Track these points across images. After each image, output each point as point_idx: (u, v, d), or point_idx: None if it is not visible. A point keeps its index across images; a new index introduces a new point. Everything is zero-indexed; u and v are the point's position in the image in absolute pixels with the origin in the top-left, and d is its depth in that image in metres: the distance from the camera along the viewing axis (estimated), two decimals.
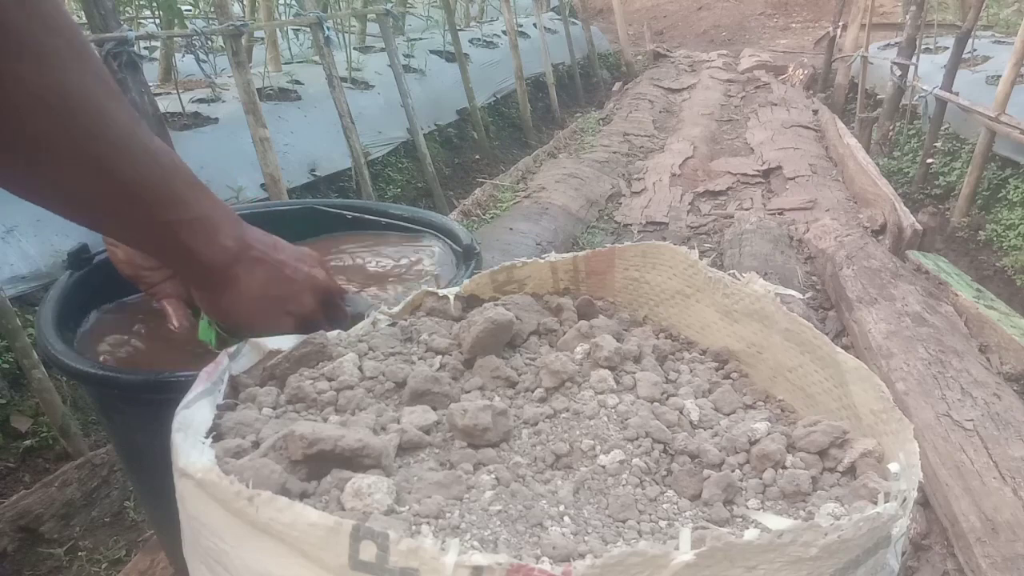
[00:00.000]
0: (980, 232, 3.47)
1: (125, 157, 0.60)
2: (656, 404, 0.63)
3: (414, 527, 0.46)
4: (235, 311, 0.72)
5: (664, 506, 0.54)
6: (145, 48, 4.26)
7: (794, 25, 11.17)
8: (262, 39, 4.18)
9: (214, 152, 2.92)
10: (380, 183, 3.80)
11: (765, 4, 11.84)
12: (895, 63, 4.40)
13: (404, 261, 1.04)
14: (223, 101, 3.31)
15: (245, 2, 4.37)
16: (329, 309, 0.78)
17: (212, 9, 3.44)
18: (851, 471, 0.56)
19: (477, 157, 4.93)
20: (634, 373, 0.66)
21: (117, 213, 0.63)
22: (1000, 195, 3.50)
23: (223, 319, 0.75)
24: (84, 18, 2.35)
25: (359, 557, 0.40)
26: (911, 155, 4.38)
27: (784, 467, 0.57)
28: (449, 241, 1.06)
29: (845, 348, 1.06)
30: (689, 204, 3.88)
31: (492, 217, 3.47)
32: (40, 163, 0.57)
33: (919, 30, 4.38)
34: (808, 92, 6.80)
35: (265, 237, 0.74)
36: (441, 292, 0.75)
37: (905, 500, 0.47)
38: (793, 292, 0.72)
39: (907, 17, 4.53)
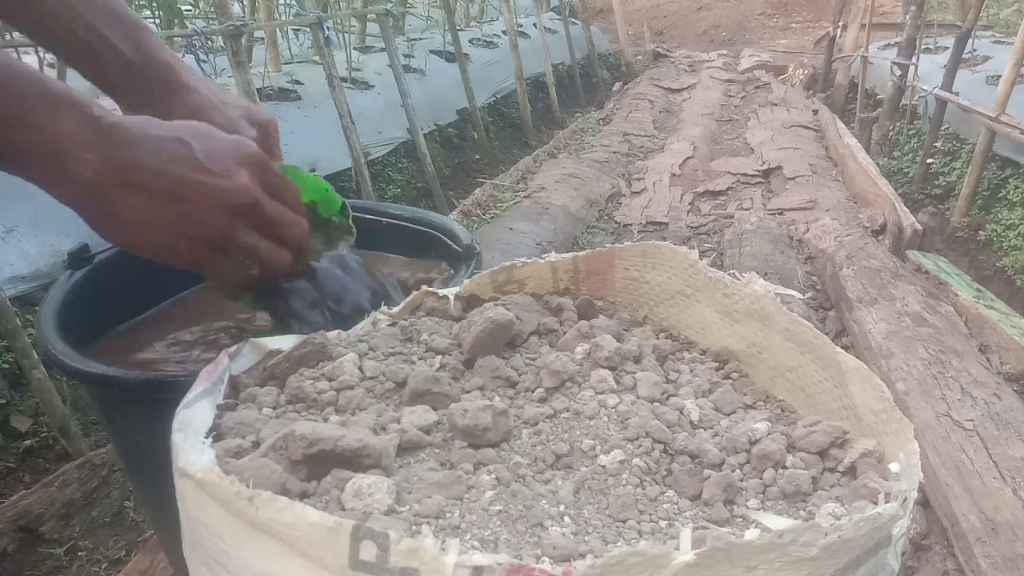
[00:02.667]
0: (980, 232, 3.47)
1: None
2: (656, 404, 0.63)
3: (414, 527, 0.46)
4: (118, 241, 0.62)
5: (664, 506, 0.54)
6: None
7: (794, 25, 11.17)
8: (262, 39, 4.18)
9: None
10: (380, 183, 3.80)
11: (765, 4, 11.84)
12: (895, 63, 4.40)
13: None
14: None
15: (245, 2, 4.37)
16: (263, 217, 0.65)
17: (212, 9, 3.44)
18: (851, 471, 0.56)
19: (477, 157, 4.93)
20: (634, 373, 0.66)
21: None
22: (1000, 195, 3.50)
23: (114, 243, 0.65)
24: None
25: (359, 557, 0.40)
26: (911, 155, 4.38)
27: (784, 467, 0.57)
28: (449, 241, 1.05)
29: (845, 348, 1.06)
30: (689, 204, 3.88)
31: (492, 217, 3.47)
32: None
33: (919, 30, 4.38)
34: (808, 92, 6.80)
35: (161, 144, 0.60)
36: (441, 292, 0.75)
37: (905, 500, 0.47)
38: (793, 292, 0.72)
39: (907, 17, 4.53)
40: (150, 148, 0.59)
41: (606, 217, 3.77)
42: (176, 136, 0.61)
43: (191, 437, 0.50)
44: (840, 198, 3.67)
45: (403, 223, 1.10)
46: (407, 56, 4.68)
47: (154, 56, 0.75)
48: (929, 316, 2.24)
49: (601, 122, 5.74)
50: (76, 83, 0.71)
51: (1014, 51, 3.19)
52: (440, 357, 0.67)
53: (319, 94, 3.57)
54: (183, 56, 3.52)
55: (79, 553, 1.60)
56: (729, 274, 0.73)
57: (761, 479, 0.56)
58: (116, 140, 0.58)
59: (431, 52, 5.02)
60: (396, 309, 0.74)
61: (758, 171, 4.32)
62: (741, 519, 0.54)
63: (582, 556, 0.45)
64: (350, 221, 0.81)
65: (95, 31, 0.72)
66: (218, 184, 0.61)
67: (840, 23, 6.79)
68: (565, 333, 0.71)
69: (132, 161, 0.58)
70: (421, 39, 5.24)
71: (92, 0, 0.72)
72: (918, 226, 2.93)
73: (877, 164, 3.92)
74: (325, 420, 0.58)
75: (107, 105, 0.62)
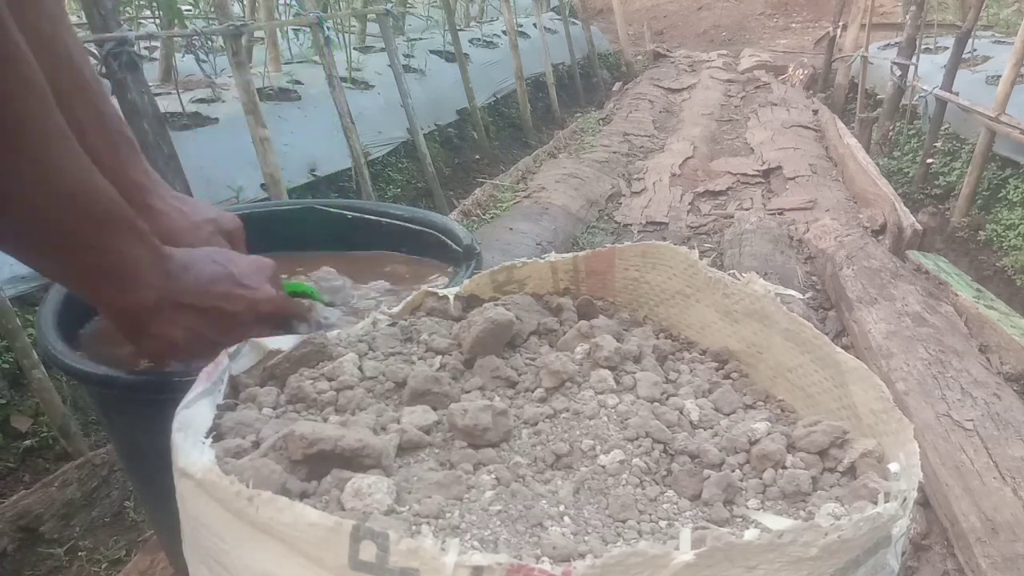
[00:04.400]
0: (980, 232, 3.47)
1: (28, 197, 0.55)
2: (656, 404, 0.63)
3: (414, 527, 0.46)
4: (156, 352, 0.69)
5: (664, 506, 0.54)
6: (145, 48, 4.25)
7: (794, 25, 11.17)
8: (262, 39, 4.18)
9: (214, 152, 2.92)
10: (380, 183, 3.80)
11: (765, 4, 11.84)
12: (895, 63, 4.40)
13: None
14: (223, 101, 3.31)
15: (245, 2, 4.37)
16: (283, 329, 0.75)
17: (212, 9, 3.44)
18: (851, 471, 0.56)
19: (477, 157, 4.93)
20: (634, 373, 0.66)
21: (21, 252, 0.59)
22: (1000, 195, 3.50)
23: (150, 355, 0.72)
24: (84, 18, 2.35)
25: (359, 557, 0.40)
26: (911, 155, 4.38)
27: (784, 467, 0.57)
28: (449, 241, 1.05)
29: (845, 348, 1.06)
30: (689, 204, 3.88)
31: (492, 217, 3.47)
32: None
33: (919, 30, 4.38)
34: (808, 92, 6.80)
35: (201, 268, 0.69)
36: (441, 292, 0.75)
37: (905, 500, 0.47)
38: (793, 292, 0.72)
39: (907, 17, 4.53)
40: (195, 272, 0.68)
41: (606, 217, 3.77)
42: (211, 259, 0.71)
43: (191, 437, 0.50)
44: (840, 198, 3.67)
45: (403, 223, 1.10)
46: (407, 56, 4.68)
47: (129, 178, 0.77)
48: (929, 316, 2.24)
49: (601, 122, 5.74)
50: None
51: (1014, 51, 3.19)
52: (440, 357, 0.67)
53: (319, 94, 3.57)
54: (183, 56, 3.53)
55: (79, 553, 1.60)
56: (729, 274, 0.73)
57: (761, 479, 0.56)
58: (171, 266, 0.66)
59: (431, 52, 5.02)
60: (396, 309, 0.74)
61: (758, 171, 4.32)
62: (741, 519, 0.54)
63: (582, 556, 0.45)
64: (325, 297, 0.90)
65: (82, 136, 0.73)
66: (255, 296, 0.71)
67: (840, 23, 6.79)
68: (565, 333, 0.71)
69: (184, 284, 0.67)
70: (421, 39, 5.24)
71: (87, 97, 0.74)
72: (918, 226, 2.93)
73: (877, 164, 3.92)
74: (325, 420, 0.58)
75: None
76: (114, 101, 0.82)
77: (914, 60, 4.35)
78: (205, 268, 0.69)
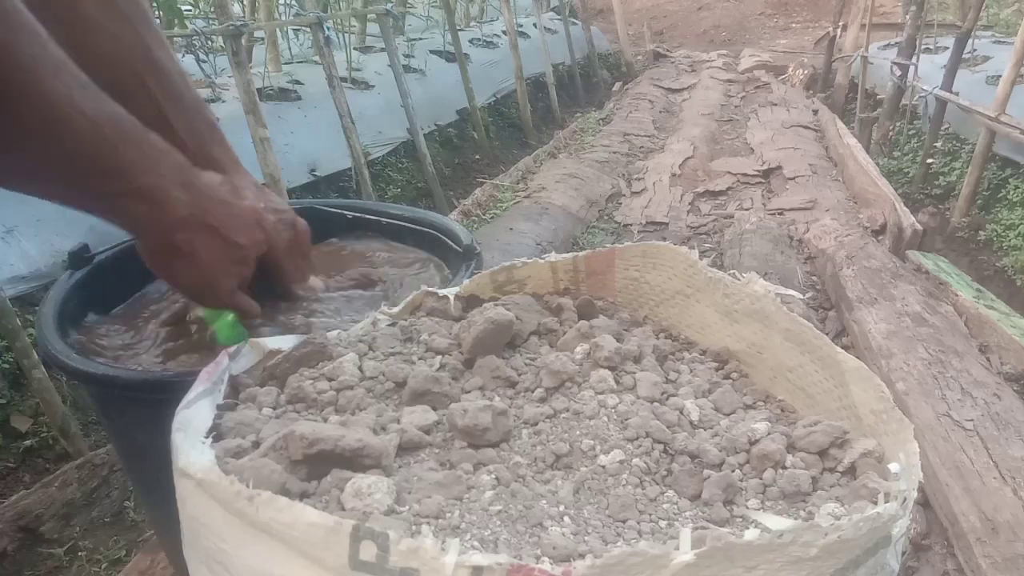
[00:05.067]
0: (980, 232, 3.47)
1: (61, 126, 0.57)
2: (656, 404, 0.63)
3: (414, 527, 0.46)
4: (186, 276, 0.71)
5: (664, 506, 0.54)
6: None
7: (794, 25, 11.17)
8: (262, 39, 4.18)
9: None
10: (380, 183, 3.80)
11: (765, 4, 11.83)
12: (895, 63, 4.40)
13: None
14: (223, 101, 3.31)
15: (245, 2, 4.37)
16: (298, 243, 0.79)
17: (212, 9, 3.44)
18: (851, 471, 0.56)
19: (477, 157, 4.93)
20: (634, 373, 0.66)
21: (53, 182, 0.61)
22: (1000, 195, 3.50)
23: (173, 282, 0.75)
24: None
25: (359, 557, 0.40)
26: (911, 155, 4.38)
27: (784, 467, 0.57)
28: (449, 241, 1.05)
29: (845, 348, 1.06)
30: (689, 204, 3.88)
31: (492, 217, 3.47)
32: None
33: (919, 30, 4.38)
34: (808, 92, 6.80)
35: (217, 191, 0.71)
36: (441, 292, 0.75)
37: (905, 500, 0.47)
38: (793, 292, 0.72)
39: (907, 17, 4.53)
40: (217, 192, 0.71)
41: (606, 217, 3.76)
42: (231, 185, 0.74)
43: (191, 437, 0.50)
44: (840, 198, 3.67)
45: (403, 223, 1.10)
46: (407, 56, 4.67)
47: (206, 154, 0.80)
48: (929, 316, 2.24)
49: (601, 122, 5.74)
50: None
51: (1014, 51, 3.18)
52: (440, 357, 0.67)
53: (319, 94, 3.57)
54: (183, 56, 3.52)
55: (79, 553, 1.60)
56: (729, 274, 0.73)
57: (761, 479, 0.56)
58: (198, 182, 0.69)
59: (431, 52, 5.02)
60: (396, 309, 0.74)
61: (758, 171, 4.31)
62: (741, 519, 0.54)
63: (582, 556, 0.45)
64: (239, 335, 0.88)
65: (160, 115, 0.76)
66: (271, 238, 0.75)
67: (840, 23, 6.78)
68: (565, 333, 0.71)
69: (209, 202, 0.69)
70: (421, 39, 5.24)
71: (162, 80, 0.76)
72: (918, 226, 2.93)
73: (877, 164, 3.92)
74: (325, 420, 0.58)
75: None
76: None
77: (914, 60, 4.35)
78: (217, 186, 0.72)
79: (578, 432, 0.59)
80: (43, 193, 0.62)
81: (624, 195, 4.08)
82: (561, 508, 0.52)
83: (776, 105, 6.05)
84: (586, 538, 0.49)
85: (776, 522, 0.51)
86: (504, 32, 5.91)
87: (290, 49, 4.72)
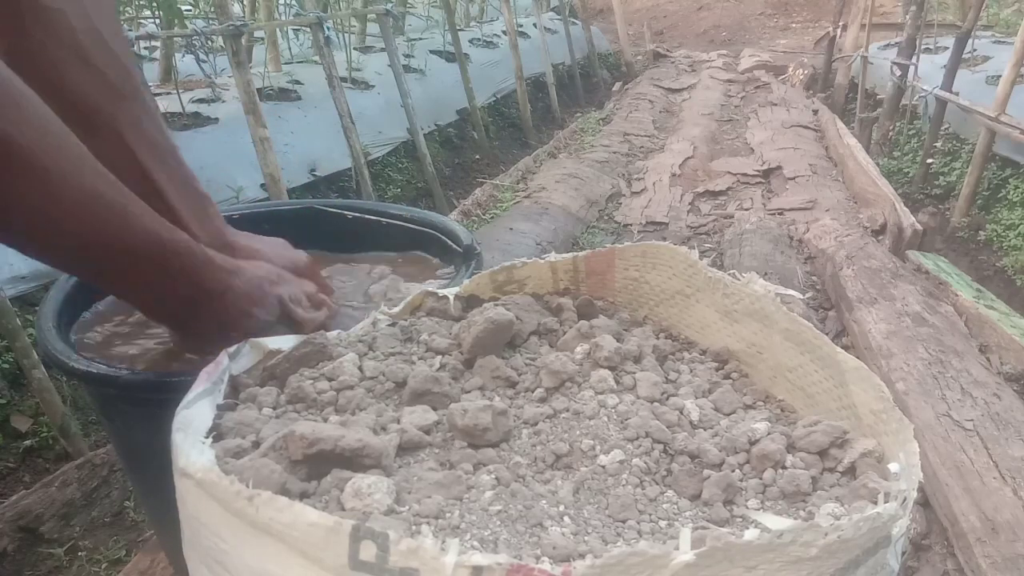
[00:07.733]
0: (980, 232, 3.47)
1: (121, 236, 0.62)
2: (656, 404, 0.63)
3: (414, 527, 0.46)
4: (213, 331, 0.74)
5: (664, 506, 0.54)
6: (145, 48, 4.26)
7: (794, 25, 11.17)
8: (262, 39, 4.18)
9: (214, 152, 2.92)
10: (380, 183, 3.80)
11: (765, 4, 11.83)
12: (895, 63, 4.40)
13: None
14: (223, 101, 3.31)
15: (245, 2, 4.37)
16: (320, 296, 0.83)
17: (212, 9, 3.44)
18: (851, 471, 0.56)
19: (477, 157, 4.93)
20: (634, 373, 0.66)
21: (118, 283, 0.67)
22: (1000, 195, 3.50)
23: (195, 341, 0.78)
24: None
25: (359, 557, 0.40)
26: (911, 155, 4.38)
27: (784, 467, 0.57)
28: (449, 241, 1.05)
29: (845, 348, 1.06)
30: (689, 204, 3.88)
31: (492, 217, 3.47)
32: (30, 241, 0.59)
33: (919, 30, 4.38)
34: (808, 92, 6.80)
35: (249, 248, 0.77)
36: (441, 292, 0.75)
37: (905, 500, 0.47)
38: (793, 292, 0.72)
39: (907, 17, 4.53)
40: (249, 249, 0.80)
41: (606, 217, 3.76)
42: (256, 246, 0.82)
43: (191, 437, 0.50)
44: (840, 198, 3.67)
45: (403, 223, 1.10)
46: (407, 56, 4.68)
47: (211, 226, 0.82)
48: (929, 316, 2.24)
49: (601, 122, 5.74)
50: None
51: (1014, 51, 3.19)
52: (440, 357, 0.67)
53: (319, 94, 3.57)
54: (183, 56, 3.52)
55: (79, 553, 1.60)
56: (729, 274, 0.73)
57: (761, 479, 0.56)
58: (230, 241, 0.78)
59: (431, 52, 5.02)
60: (396, 309, 0.74)
61: (758, 171, 4.31)
62: (741, 519, 0.54)
63: (582, 556, 0.45)
64: None
65: (159, 192, 0.78)
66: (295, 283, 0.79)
67: (840, 23, 6.78)
68: (565, 333, 0.71)
69: (246, 265, 0.75)
70: (421, 39, 5.24)
71: (159, 154, 0.78)
72: (918, 226, 2.93)
73: (877, 164, 3.92)
74: (325, 420, 0.58)
75: None
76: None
77: (914, 60, 4.35)
78: (248, 246, 0.79)
79: (578, 432, 0.59)
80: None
81: (624, 195, 4.08)
82: (561, 508, 0.51)
83: (776, 105, 6.05)
84: (586, 538, 0.49)
85: (776, 522, 0.51)
86: (504, 32, 5.91)
87: (290, 49, 4.72)
